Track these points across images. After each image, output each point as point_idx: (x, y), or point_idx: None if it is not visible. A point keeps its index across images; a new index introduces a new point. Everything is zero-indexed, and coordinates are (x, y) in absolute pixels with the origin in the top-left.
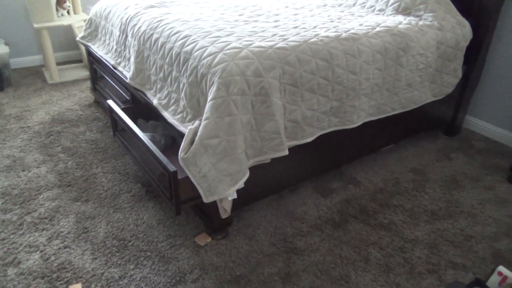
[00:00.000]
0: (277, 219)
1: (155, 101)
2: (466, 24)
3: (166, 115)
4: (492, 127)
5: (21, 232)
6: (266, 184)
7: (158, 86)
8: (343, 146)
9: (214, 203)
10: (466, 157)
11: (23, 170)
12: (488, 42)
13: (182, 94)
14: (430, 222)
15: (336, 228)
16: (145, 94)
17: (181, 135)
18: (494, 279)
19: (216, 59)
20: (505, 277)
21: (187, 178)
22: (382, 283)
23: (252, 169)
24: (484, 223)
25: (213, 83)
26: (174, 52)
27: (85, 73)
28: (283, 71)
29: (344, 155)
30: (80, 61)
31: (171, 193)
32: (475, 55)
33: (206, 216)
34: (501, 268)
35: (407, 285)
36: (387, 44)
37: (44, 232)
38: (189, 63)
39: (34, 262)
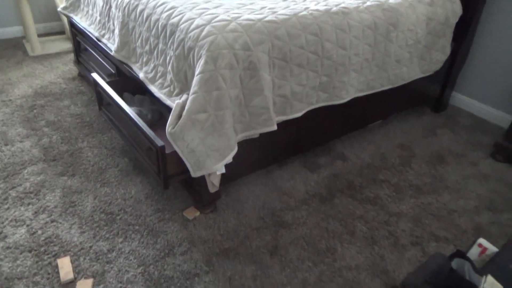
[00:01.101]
0: (265, 193)
1: (141, 75)
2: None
3: (153, 89)
4: (478, 104)
5: (6, 206)
6: (255, 159)
7: (144, 59)
8: (331, 122)
9: (202, 178)
10: (452, 133)
11: (6, 145)
12: (477, 19)
13: (169, 68)
14: (415, 196)
15: (323, 202)
16: (130, 68)
17: (169, 109)
18: (474, 251)
19: (204, 32)
20: (485, 249)
21: (175, 152)
22: (367, 255)
23: (240, 144)
24: (467, 197)
25: (200, 57)
26: (160, 24)
27: (68, 45)
28: (272, 45)
29: (332, 131)
30: (63, 32)
31: (158, 168)
32: (463, 32)
33: (195, 191)
34: (481, 240)
35: (391, 257)
36: (377, 19)
37: (30, 206)
38: (176, 36)
39: (21, 236)
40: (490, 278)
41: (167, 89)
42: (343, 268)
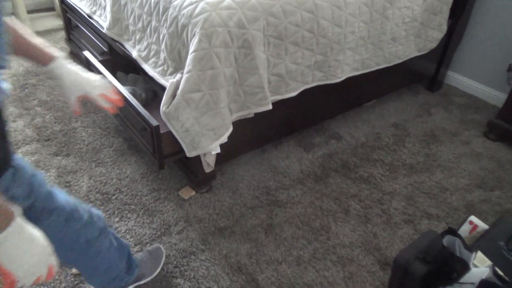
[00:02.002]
0: (260, 173)
1: (134, 53)
2: None
3: (147, 67)
4: (473, 83)
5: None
6: (250, 138)
7: (137, 37)
8: (326, 101)
9: (197, 157)
10: (446, 112)
11: None
12: None
13: (163, 46)
14: (408, 175)
15: (318, 181)
16: (123, 46)
17: (163, 88)
18: (465, 228)
19: (198, 9)
20: (476, 226)
21: (170, 132)
22: (361, 233)
23: (235, 123)
24: (459, 175)
25: (194, 34)
26: (153, 1)
27: (58, 22)
28: (267, 22)
29: (327, 110)
30: (53, 9)
31: (154, 148)
32: (460, 9)
33: (190, 170)
34: (472, 218)
35: (384, 234)
36: None
37: None
38: (169, 13)
39: None
40: (480, 255)
41: (160, 68)
42: (336, 246)
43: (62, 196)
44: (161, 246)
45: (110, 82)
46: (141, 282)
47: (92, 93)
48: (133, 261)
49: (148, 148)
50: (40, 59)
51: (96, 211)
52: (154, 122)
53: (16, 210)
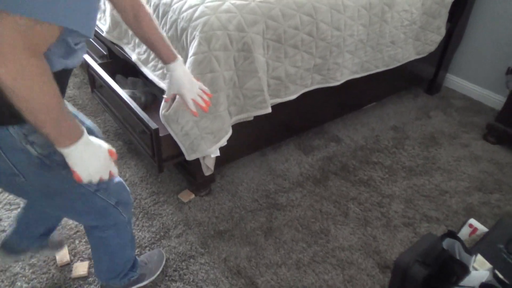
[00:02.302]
0: (259, 176)
1: (134, 56)
2: None
3: (146, 71)
4: (472, 86)
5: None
6: (249, 141)
7: (137, 40)
8: (326, 104)
9: (197, 161)
10: (445, 115)
11: None
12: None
13: None
14: (407, 178)
15: (317, 184)
16: (123, 49)
17: (162, 92)
18: (465, 231)
19: (197, 12)
20: (475, 229)
21: (169, 135)
22: (360, 236)
23: (235, 126)
24: (458, 178)
25: (194, 38)
26: (152, 4)
27: None
28: (266, 26)
29: (326, 113)
30: None
31: (153, 151)
32: (459, 13)
33: (189, 173)
34: (472, 221)
35: (384, 237)
36: None
37: None
38: (169, 16)
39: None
40: (480, 258)
41: (160, 71)
42: (336, 249)
43: None
44: (161, 250)
45: (204, 90)
46: (142, 284)
47: (187, 96)
48: (137, 259)
49: (148, 151)
50: (164, 56)
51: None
52: (153, 125)
53: (84, 128)
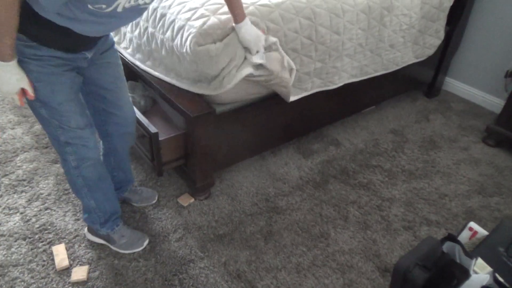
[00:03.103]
0: (259, 179)
1: (132, 60)
2: None
3: (147, 69)
4: (471, 89)
5: None
6: (248, 145)
7: (135, 45)
8: (325, 108)
9: (196, 164)
10: (444, 118)
11: None
12: (471, 3)
13: (163, 52)
14: (407, 181)
15: (317, 188)
16: (121, 54)
17: (161, 95)
18: (465, 234)
19: (196, 14)
20: (475, 232)
21: (169, 139)
22: (360, 239)
23: (235, 129)
24: (458, 182)
25: (190, 34)
26: (151, 7)
27: None
28: (266, 28)
29: (325, 117)
30: None
31: (152, 155)
32: (457, 16)
33: (189, 177)
34: (472, 224)
35: (384, 241)
36: (371, 3)
37: (23, 194)
38: (167, 18)
39: (15, 224)
40: (480, 261)
41: (160, 68)
42: (336, 253)
43: None
44: (147, 240)
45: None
46: (108, 245)
47: (253, 49)
48: (113, 223)
49: (147, 155)
50: (236, 14)
51: None
52: (153, 129)
53: (14, 60)
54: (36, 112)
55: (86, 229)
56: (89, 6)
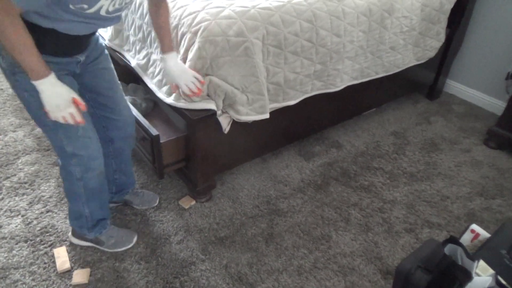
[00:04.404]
0: (260, 182)
1: (133, 63)
2: None
3: (146, 79)
4: (472, 91)
5: (0, 197)
6: (250, 147)
7: (137, 47)
8: (326, 110)
9: (197, 167)
10: (446, 120)
11: None
12: (472, 5)
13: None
14: (408, 183)
15: (318, 190)
16: (123, 56)
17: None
18: (467, 237)
19: (197, 18)
20: (477, 234)
21: (170, 142)
22: (362, 242)
23: (235, 132)
24: (460, 184)
25: (193, 43)
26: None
27: None
28: (267, 32)
29: (327, 119)
30: None
31: (154, 157)
32: (458, 18)
33: (190, 180)
34: (473, 226)
35: (385, 243)
36: (372, 6)
37: (25, 196)
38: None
39: (16, 226)
40: (482, 263)
41: (156, 79)
42: (337, 255)
43: None
44: (136, 237)
45: (198, 78)
46: (97, 246)
47: (181, 83)
48: (101, 227)
49: (148, 157)
50: (165, 45)
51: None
52: (154, 131)
53: (52, 72)
54: (42, 123)
55: (69, 233)
56: (71, 6)
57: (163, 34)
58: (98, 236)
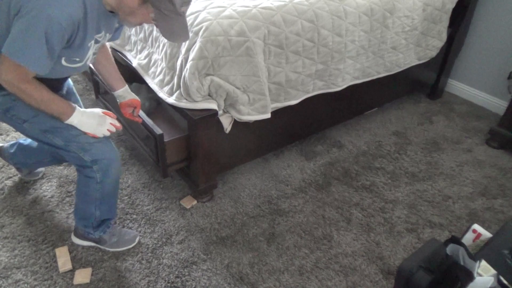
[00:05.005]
0: (261, 182)
1: (135, 63)
2: None
3: (148, 79)
4: (474, 91)
5: (2, 196)
6: (251, 147)
7: (139, 47)
8: (328, 110)
9: (199, 167)
10: (447, 120)
11: (1, 134)
12: (474, 5)
13: (162, 55)
14: (410, 183)
15: (320, 190)
16: (125, 56)
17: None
18: (469, 237)
19: (199, 18)
20: (479, 234)
21: (174, 141)
22: (363, 242)
23: (237, 132)
24: (462, 184)
25: (195, 43)
26: None
27: None
28: (268, 31)
29: (328, 119)
30: None
31: (157, 156)
32: (460, 18)
33: (191, 180)
34: (475, 226)
35: (387, 243)
36: (373, 5)
37: (27, 196)
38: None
39: (18, 226)
40: (484, 263)
41: (158, 79)
42: (339, 255)
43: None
44: (138, 238)
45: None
46: (99, 246)
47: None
48: (105, 226)
49: (152, 156)
50: (114, 84)
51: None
52: (158, 130)
53: (76, 106)
54: (54, 143)
55: (72, 234)
56: (64, 62)
57: (109, 72)
58: (102, 235)
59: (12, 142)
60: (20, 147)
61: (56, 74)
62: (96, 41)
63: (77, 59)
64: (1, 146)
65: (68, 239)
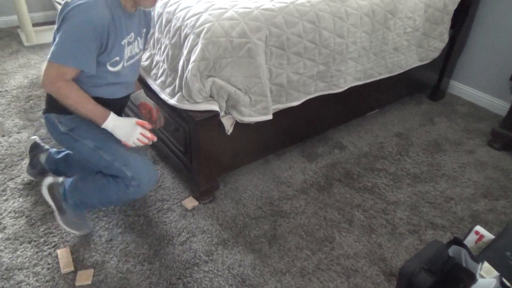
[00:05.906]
0: (263, 183)
1: None
2: None
3: (149, 81)
4: (476, 92)
5: (4, 198)
6: (253, 148)
7: None
8: (329, 111)
9: (200, 168)
10: (449, 121)
11: (3, 136)
12: (476, 6)
13: (164, 56)
14: (412, 185)
15: (321, 191)
16: None
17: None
18: (471, 238)
19: (201, 20)
20: (482, 236)
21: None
22: (365, 243)
23: (238, 133)
24: (464, 185)
25: (196, 44)
26: (156, 13)
27: None
28: (269, 32)
29: (330, 120)
30: None
31: (186, 148)
32: (462, 19)
33: (193, 181)
34: (478, 228)
35: (389, 245)
36: (375, 6)
37: (29, 198)
38: (172, 24)
39: (20, 227)
40: (486, 265)
41: (160, 80)
42: (341, 256)
43: None
44: (88, 230)
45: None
46: (56, 213)
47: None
48: (81, 209)
49: (180, 148)
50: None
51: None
52: (196, 117)
53: (110, 112)
54: (104, 159)
55: (46, 182)
56: (109, 67)
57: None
58: (70, 209)
59: (60, 149)
60: (68, 156)
61: (109, 88)
62: (129, 43)
63: (117, 59)
64: (48, 149)
65: (70, 240)
